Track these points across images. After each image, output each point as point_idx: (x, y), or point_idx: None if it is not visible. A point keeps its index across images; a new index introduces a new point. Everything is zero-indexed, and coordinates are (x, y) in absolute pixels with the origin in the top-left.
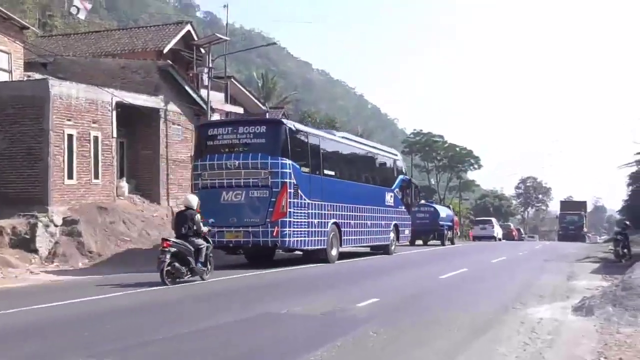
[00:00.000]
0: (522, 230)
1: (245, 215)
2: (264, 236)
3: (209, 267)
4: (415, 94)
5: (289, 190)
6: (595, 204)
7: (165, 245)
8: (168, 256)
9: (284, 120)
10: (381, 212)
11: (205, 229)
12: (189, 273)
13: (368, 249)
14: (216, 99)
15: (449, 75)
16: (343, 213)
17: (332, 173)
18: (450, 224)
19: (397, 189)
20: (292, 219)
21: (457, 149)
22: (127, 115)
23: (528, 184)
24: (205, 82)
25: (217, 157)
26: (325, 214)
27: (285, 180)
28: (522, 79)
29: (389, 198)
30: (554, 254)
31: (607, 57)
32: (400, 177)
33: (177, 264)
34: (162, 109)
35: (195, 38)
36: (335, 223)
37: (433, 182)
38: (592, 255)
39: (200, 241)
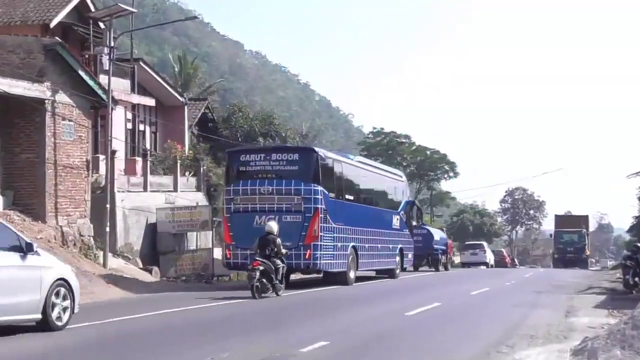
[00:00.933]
0: (514, 257)
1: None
2: (296, 259)
3: (283, 284)
4: (375, 85)
5: (320, 216)
6: (599, 222)
7: (255, 264)
8: (258, 274)
9: (316, 149)
10: (389, 235)
11: (284, 251)
12: (271, 288)
13: (373, 273)
14: (120, 87)
15: (416, 64)
16: (359, 237)
17: (351, 197)
18: (444, 247)
19: (402, 212)
20: (322, 243)
21: (428, 152)
22: (1, 107)
23: (516, 197)
24: (106, 66)
25: (250, 183)
26: (346, 237)
27: (317, 205)
28: (505, 73)
29: (396, 221)
30: (548, 284)
31: (611, 58)
32: (405, 199)
33: (264, 280)
34: (49, 99)
35: (93, 9)
36: (353, 246)
37: None
38: (595, 285)
39: (279, 262)
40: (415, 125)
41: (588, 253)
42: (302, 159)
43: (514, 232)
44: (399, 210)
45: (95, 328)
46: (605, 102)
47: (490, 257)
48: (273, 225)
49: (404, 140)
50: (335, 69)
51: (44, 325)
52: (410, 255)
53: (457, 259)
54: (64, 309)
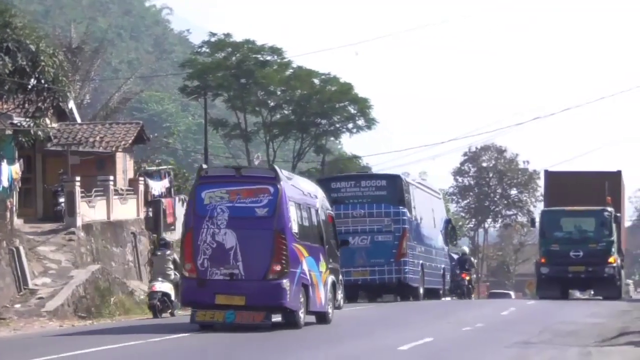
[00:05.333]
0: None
1: (371, 257)
2: (388, 274)
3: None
4: None
5: (407, 235)
6: None
7: (463, 276)
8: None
9: (401, 175)
10: (437, 254)
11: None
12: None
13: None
14: None
15: None
16: (424, 255)
17: (419, 217)
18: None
19: (443, 231)
20: (408, 259)
21: (316, 81)
22: None
23: (484, 164)
24: None
25: (343, 207)
26: (418, 255)
27: (405, 226)
28: None
29: (440, 240)
30: (544, 328)
31: None
32: (444, 217)
33: (458, 291)
34: None
35: None
36: (421, 264)
37: (257, 158)
38: (633, 328)
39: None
40: (294, 41)
41: (616, 263)
42: (389, 185)
43: (480, 231)
44: (441, 229)
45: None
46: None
47: None
48: (465, 248)
49: (270, 58)
50: None
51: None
52: (448, 277)
53: None
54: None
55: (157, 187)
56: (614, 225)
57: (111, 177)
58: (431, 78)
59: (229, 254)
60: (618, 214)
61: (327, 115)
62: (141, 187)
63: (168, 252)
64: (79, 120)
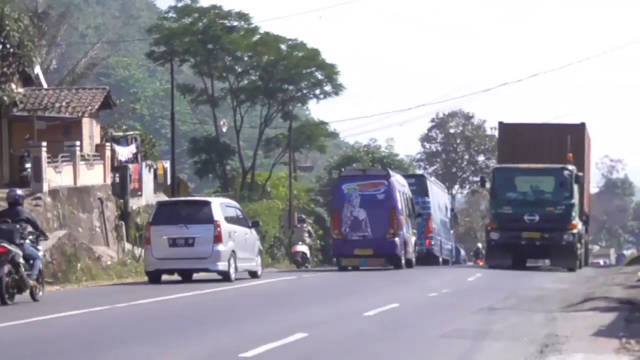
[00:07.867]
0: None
1: None
2: (420, 246)
3: None
4: None
5: (432, 217)
6: (607, 175)
7: (478, 262)
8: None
9: (425, 175)
10: (447, 233)
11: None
12: None
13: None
14: None
15: None
16: (441, 233)
17: (437, 205)
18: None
19: (449, 216)
20: (433, 235)
21: (283, 46)
22: None
23: (451, 130)
24: None
25: None
26: (437, 233)
27: (430, 211)
28: None
29: (448, 223)
30: (510, 294)
31: None
32: (449, 206)
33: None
34: None
35: None
36: (439, 240)
37: (223, 124)
38: (598, 294)
39: None
40: (261, 7)
41: (577, 229)
42: (417, 182)
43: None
44: (447, 215)
45: None
46: None
47: None
48: (479, 244)
49: (236, 24)
50: None
51: None
52: (454, 252)
53: None
54: None
55: (124, 152)
56: (575, 186)
57: (77, 143)
58: (398, 44)
59: (362, 223)
60: (580, 173)
61: (294, 81)
62: (108, 153)
63: (305, 225)
64: (45, 85)
